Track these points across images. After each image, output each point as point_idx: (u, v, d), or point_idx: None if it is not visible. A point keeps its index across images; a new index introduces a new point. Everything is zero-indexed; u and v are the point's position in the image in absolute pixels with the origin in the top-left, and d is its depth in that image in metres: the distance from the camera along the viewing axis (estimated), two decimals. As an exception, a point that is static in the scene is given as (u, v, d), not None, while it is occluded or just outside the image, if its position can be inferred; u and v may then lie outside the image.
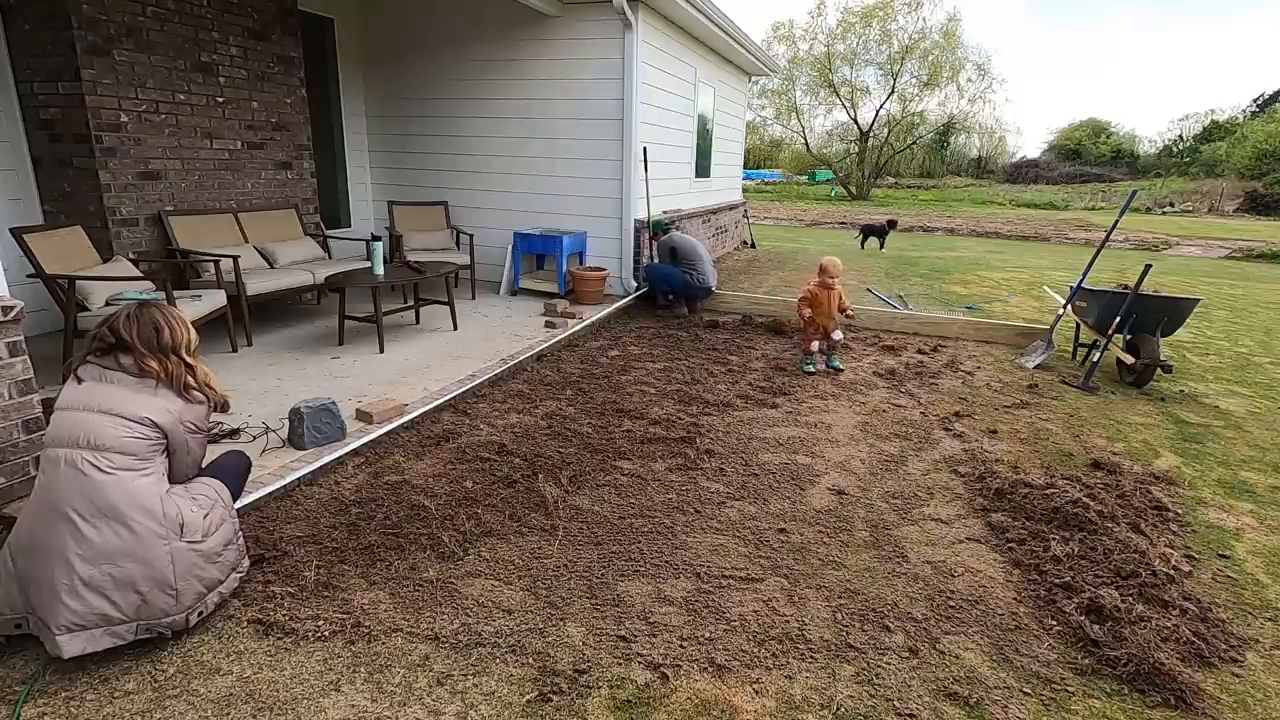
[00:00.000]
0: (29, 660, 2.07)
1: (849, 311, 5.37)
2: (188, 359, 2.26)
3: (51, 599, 1.96)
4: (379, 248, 5.36)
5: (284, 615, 2.30)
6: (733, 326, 6.51)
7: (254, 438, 3.53)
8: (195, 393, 2.25)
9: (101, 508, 2.01)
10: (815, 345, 5.24)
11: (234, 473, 2.52)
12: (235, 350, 5.01)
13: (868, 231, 14.31)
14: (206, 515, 2.22)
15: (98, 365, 2.15)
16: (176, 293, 4.58)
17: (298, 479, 3.17)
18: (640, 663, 2.15)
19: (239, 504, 2.60)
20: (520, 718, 1.93)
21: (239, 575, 2.37)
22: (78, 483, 2.01)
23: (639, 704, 1.99)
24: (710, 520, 3.03)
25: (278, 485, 3.07)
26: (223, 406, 2.46)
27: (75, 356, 2.21)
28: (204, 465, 2.43)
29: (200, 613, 2.18)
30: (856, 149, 34.13)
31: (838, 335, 5.25)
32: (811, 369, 5.19)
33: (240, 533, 2.40)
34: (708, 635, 2.29)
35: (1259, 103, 37.58)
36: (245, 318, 5.16)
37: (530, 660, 2.15)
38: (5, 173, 4.95)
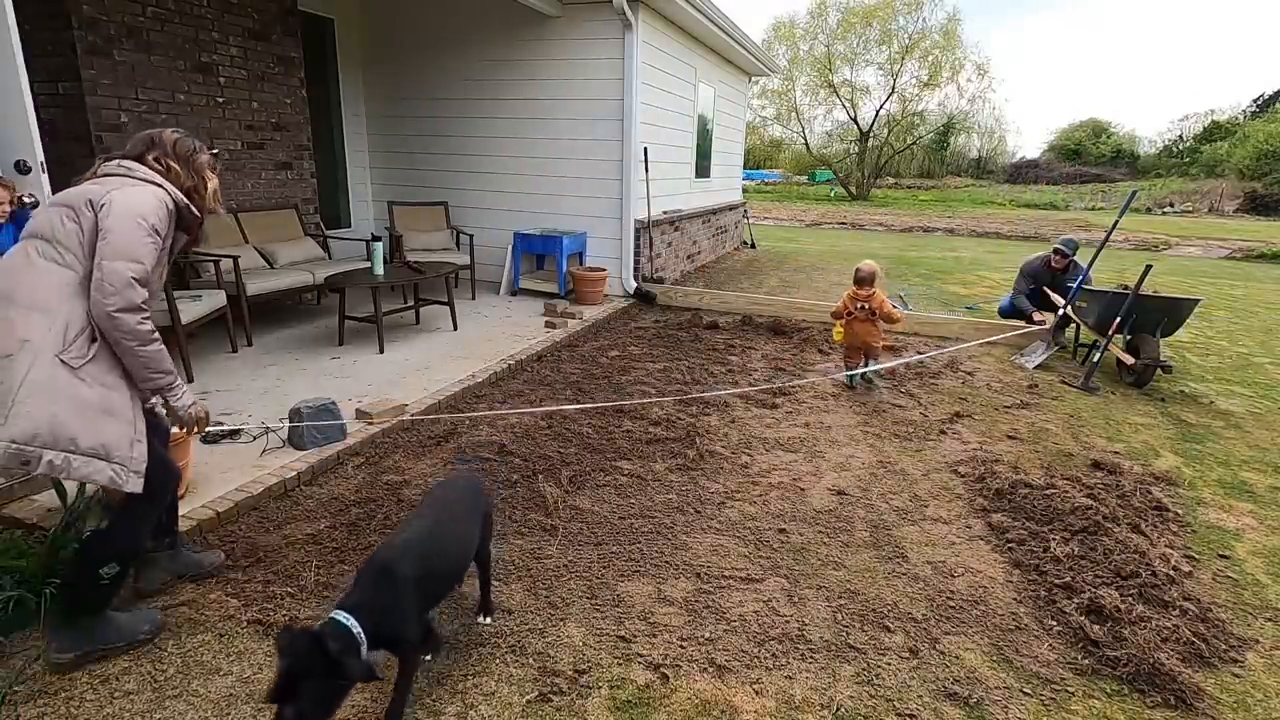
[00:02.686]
0: (29, 661, 2.07)
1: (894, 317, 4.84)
2: (208, 179, 2.18)
3: None
4: (379, 248, 5.36)
5: (284, 615, 2.29)
6: (733, 327, 6.51)
7: (254, 438, 3.53)
8: (197, 199, 2.13)
9: (4, 286, 1.84)
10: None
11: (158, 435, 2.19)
12: (235, 350, 5.01)
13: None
14: (100, 362, 1.88)
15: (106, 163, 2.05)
16: (177, 292, 4.57)
17: (297, 479, 3.17)
18: (640, 663, 2.15)
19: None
20: (520, 718, 1.93)
21: (108, 469, 1.86)
22: (6, 265, 1.90)
23: (639, 704, 1.99)
24: (710, 520, 3.03)
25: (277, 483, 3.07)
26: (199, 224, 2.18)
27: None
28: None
29: (24, 461, 1.76)
30: (856, 149, 34.10)
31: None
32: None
33: (140, 435, 1.95)
34: (708, 635, 2.29)
35: (1259, 103, 37.54)
36: (245, 318, 5.15)
37: (530, 660, 2.15)
38: (5, 173, 4.95)
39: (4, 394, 1.74)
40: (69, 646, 2.03)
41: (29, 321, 1.80)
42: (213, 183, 2.20)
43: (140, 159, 2.07)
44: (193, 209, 2.11)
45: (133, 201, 1.93)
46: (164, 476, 2.13)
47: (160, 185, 2.02)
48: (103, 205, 1.89)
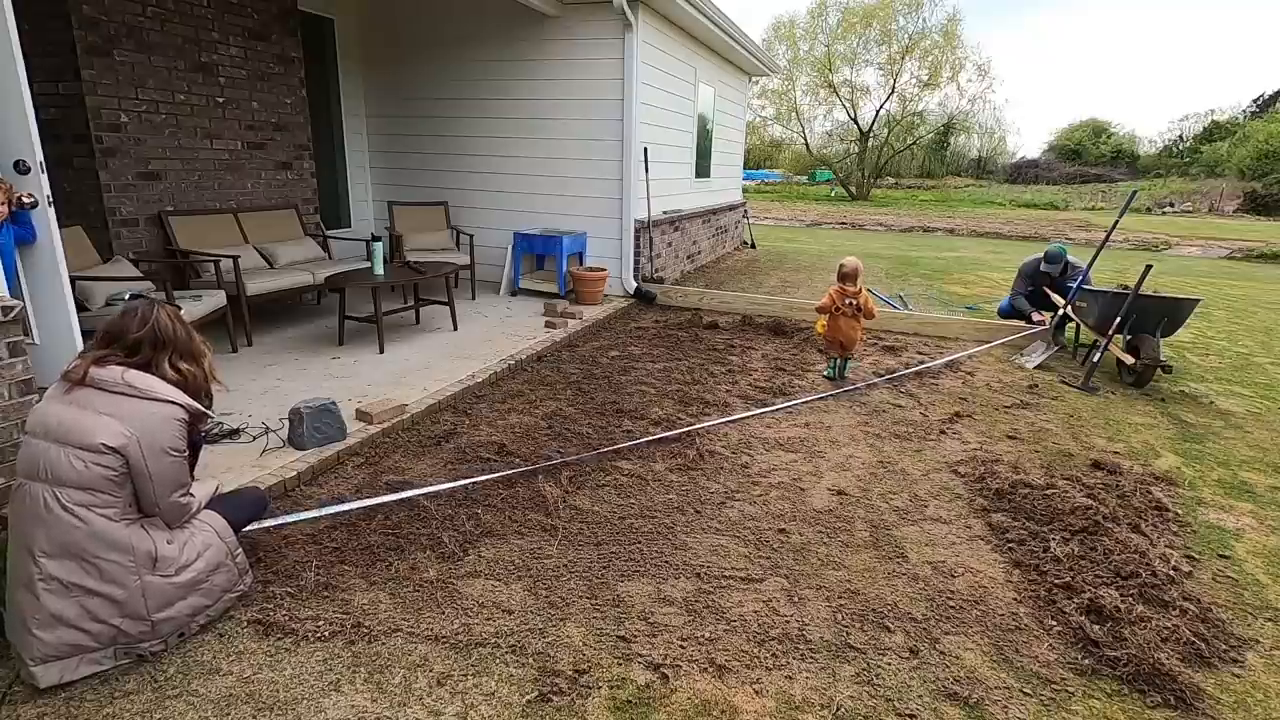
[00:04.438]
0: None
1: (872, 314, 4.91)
2: (207, 369, 2.27)
3: (22, 630, 1.95)
4: (379, 248, 5.36)
5: (284, 615, 2.29)
6: (733, 327, 6.50)
7: (254, 438, 3.52)
8: (205, 392, 2.24)
9: (64, 545, 1.94)
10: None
11: (239, 504, 2.45)
12: (235, 350, 5.00)
13: None
14: (185, 544, 2.14)
15: (89, 371, 2.02)
16: (176, 293, 4.58)
17: (298, 479, 3.17)
18: (640, 663, 2.15)
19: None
20: (520, 718, 1.93)
21: (233, 596, 2.30)
22: (40, 518, 1.95)
23: (639, 704, 1.99)
24: (710, 520, 3.03)
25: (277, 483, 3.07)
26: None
27: (88, 354, 2.08)
28: (219, 495, 2.41)
29: (183, 635, 2.16)
30: (856, 149, 34.10)
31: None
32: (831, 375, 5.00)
33: (237, 553, 2.30)
34: (708, 635, 2.29)
35: (1259, 103, 37.56)
36: (245, 318, 5.15)
37: (530, 660, 2.15)
38: (5, 173, 4.96)
39: (142, 616, 2.04)
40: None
41: (118, 568, 2.00)
42: (210, 367, 2.28)
43: (150, 367, 2.10)
44: (205, 410, 2.22)
45: (160, 440, 2.04)
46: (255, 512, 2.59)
47: (172, 402, 2.09)
48: (130, 451, 1.99)
